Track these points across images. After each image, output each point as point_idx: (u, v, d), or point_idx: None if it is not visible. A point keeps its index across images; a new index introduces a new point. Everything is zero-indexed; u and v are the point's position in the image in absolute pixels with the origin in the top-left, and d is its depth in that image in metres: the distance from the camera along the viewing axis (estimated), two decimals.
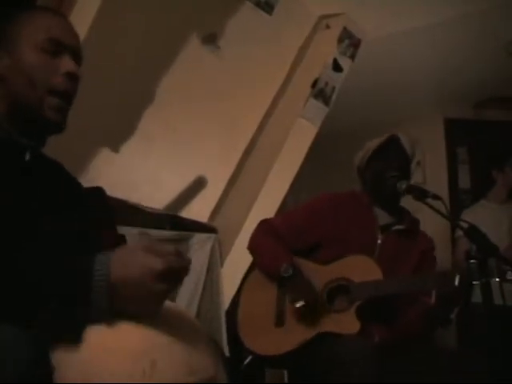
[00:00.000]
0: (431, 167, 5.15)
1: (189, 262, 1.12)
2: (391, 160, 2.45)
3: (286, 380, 2.33)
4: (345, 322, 2.19)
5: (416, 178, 4.21)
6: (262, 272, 2.45)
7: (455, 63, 4.36)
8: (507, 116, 5.06)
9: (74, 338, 1.04)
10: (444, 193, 4.99)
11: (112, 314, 1.06)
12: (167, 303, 1.28)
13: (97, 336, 1.07)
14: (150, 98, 3.18)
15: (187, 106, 3.33)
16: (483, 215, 3.87)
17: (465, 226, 2.23)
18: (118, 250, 1.08)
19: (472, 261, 2.08)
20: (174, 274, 1.09)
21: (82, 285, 1.03)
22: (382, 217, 2.48)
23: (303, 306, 2.21)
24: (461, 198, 5.06)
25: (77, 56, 1.38)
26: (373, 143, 2.51)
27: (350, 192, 2.59)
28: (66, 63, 1.34)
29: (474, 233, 2.19)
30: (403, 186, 2.37)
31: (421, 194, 2.34)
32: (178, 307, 1.33)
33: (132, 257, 1.07)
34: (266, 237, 2.49)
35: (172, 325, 1.17)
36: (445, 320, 2.35)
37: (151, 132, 3.23)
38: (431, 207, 2.29)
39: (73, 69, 1.34)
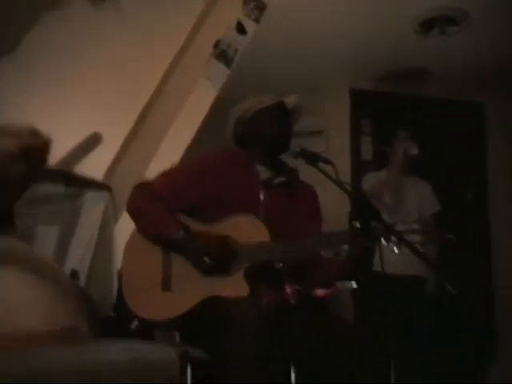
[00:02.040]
0: (334, 137, 5.25)
1: (48, 140, 1.05)
2: (279, 121, 2.46)
3: (177, 341, 2.32)
4: (233, 286, 2.16)
5: (319, 147, 4.32)
6: (146, 236, 2.31)
7: (364, 34, 4.42)
8: (413, 89, 5.20)
9: None
10: (346, 163, 5.10)
11: None
12: (31, 253, 1.25)
13: None
14: (45, 56, 3.07)
15: (84, 65, 3.24)
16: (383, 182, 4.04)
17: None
18: None
19: (355, 222, 2.16)
20: (33, 154, 1.00)
21: None
22: (263, 172, 2.45)
23: (212, 262, 2.17)
24: (362, 169, 5.18)
25: None
26: (258, 101, 2.48)
27: (230, 150, 2.54)
28: None
29: (357, 197, 2.26)
30: (297, 149, 2.39)
31: (312, 159, 2.37)
32: (43, 257, 1.30)
33: None
34: (146, 200, 2.33)
35: (33, 275, 1.14)
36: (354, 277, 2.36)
37: (45, 89, 3.13)
38: (322, 171, 2.31)
39: None
